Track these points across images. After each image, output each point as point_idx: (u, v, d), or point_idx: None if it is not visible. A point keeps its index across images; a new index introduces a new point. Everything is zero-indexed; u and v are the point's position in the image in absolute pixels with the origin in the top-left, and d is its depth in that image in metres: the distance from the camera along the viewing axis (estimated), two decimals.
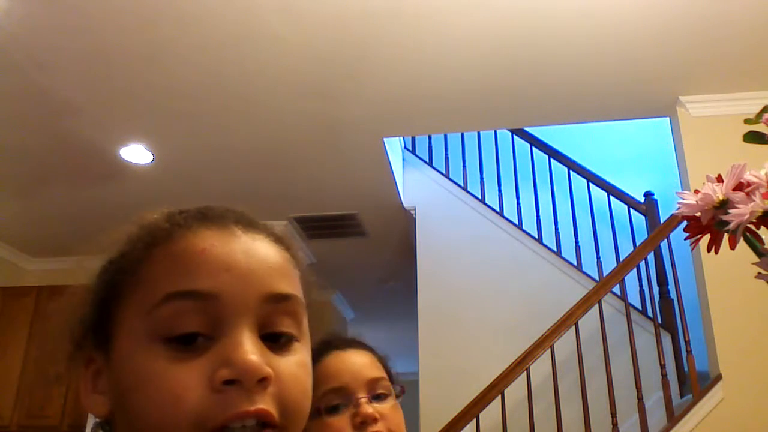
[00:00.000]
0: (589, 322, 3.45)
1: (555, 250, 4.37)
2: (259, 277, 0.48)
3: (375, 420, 0.88)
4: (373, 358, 0.97)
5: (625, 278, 3.44)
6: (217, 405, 0.43)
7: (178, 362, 0.44)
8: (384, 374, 0.96)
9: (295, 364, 0.47)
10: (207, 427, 0.43)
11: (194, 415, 0.42)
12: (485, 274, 4.37)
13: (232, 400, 0.43)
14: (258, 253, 0.49)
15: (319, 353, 0.94)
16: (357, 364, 0.94)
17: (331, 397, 0.89)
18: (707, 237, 0.79)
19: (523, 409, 3.38)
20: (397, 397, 0.96)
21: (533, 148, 4.74)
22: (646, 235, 3.98)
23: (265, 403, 0.44)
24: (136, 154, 3.85)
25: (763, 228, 0.74)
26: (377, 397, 0.92)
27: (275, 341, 0.47)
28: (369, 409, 0.89)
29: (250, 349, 0.44)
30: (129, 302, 0.47)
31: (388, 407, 0.92)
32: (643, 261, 3.60)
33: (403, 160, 4.82)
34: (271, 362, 0.45)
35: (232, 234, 0.49)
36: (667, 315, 4.00)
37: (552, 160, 4.67)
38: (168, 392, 0.43)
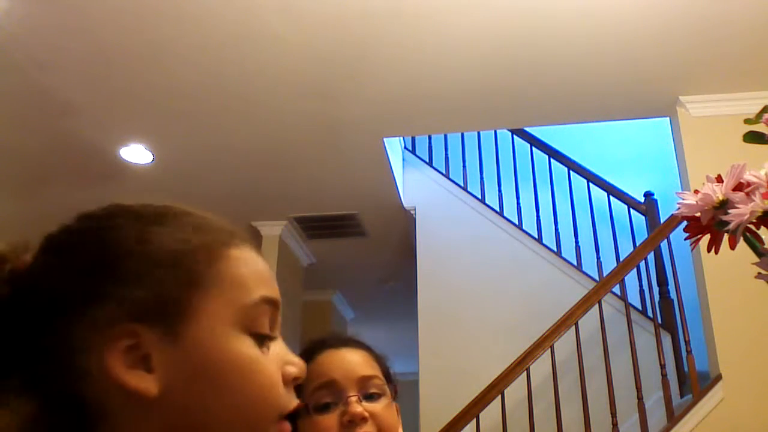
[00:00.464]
0: (589, 322, 3.45)
1: (555, 250, 4.37)
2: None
3: (364, 419, 0.86)
4: (367, 356, 0.95)
5: (625, 278, 3.44)
6: (287, 396, 0.51)
7: (263, 353, 0.51)
8: (378, 373, 0.93)
9: None
10: (283, 413, 0.51)
11: (282, 401, 0.51)
12: (485, 274, 4.37)
13: (293, 394, 0.52)
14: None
15: (312, 351, 0.93)
16: (349, 361, 0.92)
17: (321, 394, 0.87)
18: (707, 237, 0.79)
19: (523, 409, 3.38)
20: (393, 397, 0.93)
21: (533, 148, 4.74)
22: (646, 235, 3.98)
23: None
24: (136, 154, 3.85)
25: (763, 228, 0.74)
26: (369, 397, 0.89)
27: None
28: (358, 407, 0.86)
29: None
30: (212, 293, 0.50)
31: (379, 407, 0.89)
32: (643, 261, 3.60)
33: (403, 160, 4.82)
34: None
35: (259, 252, 0.58)
36: (667, 315, 4.00)
37: (552, 160, 4.67)
38: (268, 376, 0.50)
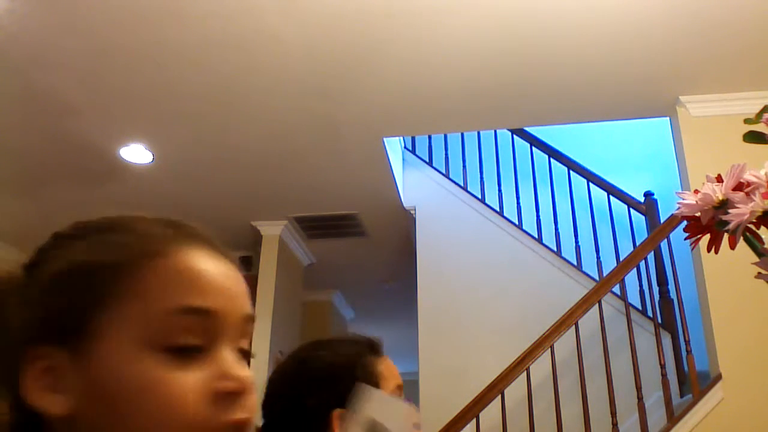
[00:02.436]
0: (589, 322, 3.45)
1: (555, 250, 4.37)
2: (240, 298, 0.53)
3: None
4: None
5: (625, 278, 3.44)
6: (214, 413, 0.48)
7: (179, 370, 0.47)
8: None
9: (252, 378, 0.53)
10: (210, 430, 0.47)
11: (198, 419, 0.47)
12: (485, 274, 4.37)
13: (226, 410, 0.48)
14: (236, 275, 0.55)
15: (377, 351, 1.02)
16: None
17: (398, 393, 0.97)
18: (707, 237, 0.79)
19: (523, 409, 3.38)
20: None
21: (533, 148, 4.74)
22: (646, 235, 3.98)
23: (249, 412, 0.50)
24: (136, 154, 3.85)
25: (763, 228, 0.74)
26: None
27: (241, 356, 0.53)
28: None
29: (242, 365, 0.51)
30: (120, 308, 0.49)
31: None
32: (643, 261, 3.60)
33: (403, 160, 4.82)
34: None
35: (218, 256, 0.54)
36: (667, 315, 4.00)
37: (552, 160, 4.67)
38: (172, 397, 0.46)
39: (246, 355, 0.54)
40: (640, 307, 4.09)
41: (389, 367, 0.99)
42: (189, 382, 0.47)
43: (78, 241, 0.52)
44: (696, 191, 0.77)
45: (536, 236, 4.42)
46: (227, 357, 0.50)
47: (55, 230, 0.55)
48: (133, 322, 0.48)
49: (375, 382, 0.95)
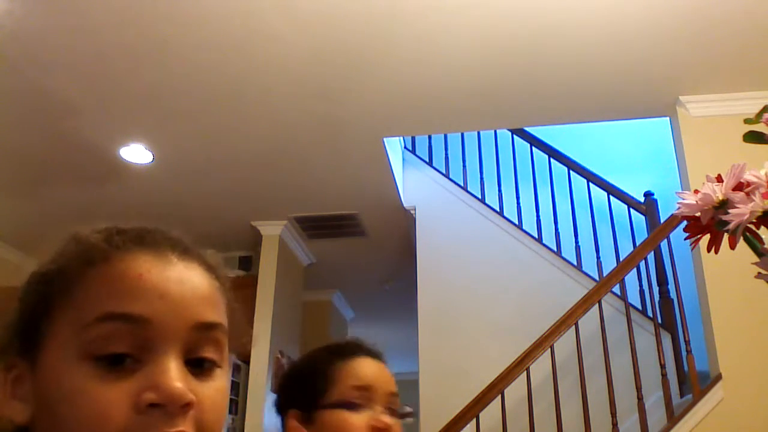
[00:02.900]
0: (589, 322, 3.45)
1: (555, 250, 4.37)
2: (190, 305, 0.51)
3: (388, 431, 0.93)
4: (394, 378, 1.03)
5: (625, 278, 3.44)
6: (140, 426, 0.46)
7: (105, 381, 0.46)
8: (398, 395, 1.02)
9: (215, 391, 0.51)
10: None
11: (117, 430, 0.45)
12: (485, 274, 4.37)
13: (154, 422, 0.46)
14: (191, 281, 0.52)
15: (351, 352, 1.01)
16: (385, 375, 1.00)
17: (355, 394, 0.94)
18: (707, 237, 0.79)
19: (523, 409, 3.38)
20: (402, 417, 1.01)
21: (533, 148, 4.74)
22: (646, 235, 3.98)
23: (184, 426, 0.47)
24: (136, 154, 3.85)
25: (763, 228, 0.74)
26: (391, 412, 0.97)
27: (199, 366, 0.50)
28: (387, 419, 0.94)
29: (176, 376, 0.48)
30: (60, 317, 0.49)
31: (395, 424, 0.96)
32: (643, 261, 3.60)
33: (403, 160, 4.82)
34: (193, 388, 0.49)
35: (168, 261, 0.52)
36: (667, 315, 4.00)
37: (552, 160, 4.67)
38: (94, 410, 0.45)
39: (211, 365, 0.51)
40: (640, 307, 4.09)
41: (352, 369, 0.98)
42: (113, 393, 0.46)
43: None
44: (696, 191, 0.77)
45: (536, 236, 4.42)
46: (165, 367, 0.47)
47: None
48: (68, 331, 0.48)
49: (324, 384, 0.97)
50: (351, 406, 0.93)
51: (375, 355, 1.03)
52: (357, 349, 1.02)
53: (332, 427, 0.93)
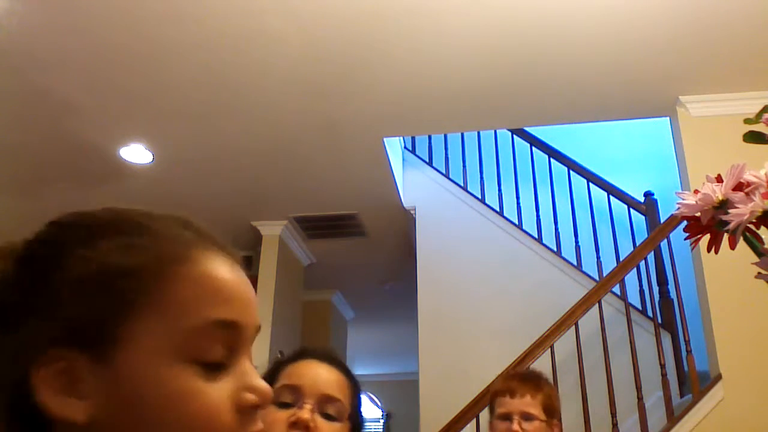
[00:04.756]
0: (589, 322, 3.45)
1: (555, 250, 4.37)
2: (255, 307, 0.53)
3: (307, 427, 0.93)
4: (343, 382, 1.02)
5: (625, 278, 3.44)
6: (242, 425, 0.48)
7: (208, 383, 0.47)
8: (345, 400, 1.00)
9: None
10: None
11: (226, 430, 0.47)
12: (485, 274, 4.37)
13: (252, 421, 0.50)
14: (249, 282, 0.54)
15: (295, 357, 1.04)
16: (320, 375, 1.00)
17: (283, 394, 0.97)
18: (707, 237, 0.79)
19: None
20: (352, 429, 1.01)
21: (533, 148, 4.74)
22: (646, 235, 3.98)
23: (262, 423, 0.52)
24: (136, 154, 3.85)
25: (763, 228, 0.74)
26: (325, 415, 0.97)
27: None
28: (306, 414, 0.94)
29: (260, 378, 0.51)
30: (147, 317, 0.47)
31: (328, 428, 0.96)
32: (643, 261, 3.60)
33: (403, 160, 4.82)
34: None
35: (235, 263, 0.53)
36: (667, 315, 4.00)
37: (552, 160, 4.67)
38: (206, 411, 0.46)
39: None
40: (640, 307, 4.09)
41: (289, 370, 1.02)
42: (219, 393, 0.47)
43: (97, 241, 0.49)
44: (696, 191, 0.77)
45: (536, 236, 4.42)
46: (249, 368, 0.50)
47: (54, 219, 0.52)
48: (162, 331, 0.47)
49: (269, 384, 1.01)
50: (280, 404, 0.96)
51: (322, 357, 1.04)
52: (303, 352, 1.05)
53: (264, 424, 0.94)
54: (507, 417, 1.55)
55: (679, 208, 0.78)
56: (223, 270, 0.51)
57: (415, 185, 4.72)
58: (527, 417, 1.53)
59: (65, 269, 0.48)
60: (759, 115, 0.81)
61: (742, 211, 0.71)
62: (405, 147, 4.86)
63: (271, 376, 1.01)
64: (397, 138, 4.56)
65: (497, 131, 4.85)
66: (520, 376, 1.68)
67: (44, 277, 0.48)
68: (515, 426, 1.51)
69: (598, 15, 2.86)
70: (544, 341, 3.32)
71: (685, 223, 0.80)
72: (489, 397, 1.71)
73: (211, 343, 0.48)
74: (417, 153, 4.84)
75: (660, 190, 4.53)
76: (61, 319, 0.46)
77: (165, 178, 4.15)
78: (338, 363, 1.05)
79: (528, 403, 1.54)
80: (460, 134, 4.84)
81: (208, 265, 0.50)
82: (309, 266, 5.59)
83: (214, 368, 0.48)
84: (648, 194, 4.49)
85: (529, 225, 4.50)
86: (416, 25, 2.91)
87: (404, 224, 4.89)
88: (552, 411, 1.61)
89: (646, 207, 4.45)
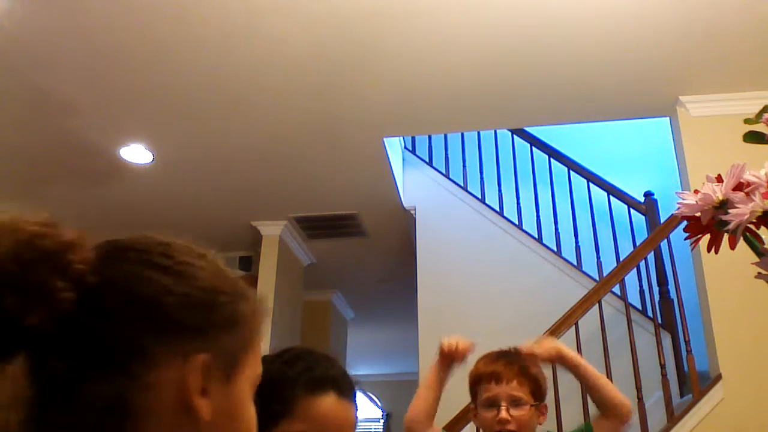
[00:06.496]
0: (589, 322, 3.45)
1: (555, 250, 4.37)
2: None
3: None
4: (355, 420, 0.99)
5: (625, 278, 3.44)
6: None
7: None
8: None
9: None
10: None
11: None
12: (485, 274, 4.37)
13: None
14: None
15: (319, 386, 0.96)
16: (347, 420, 0.98)
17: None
18: (707, 237, 0.79)
19: None
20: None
21: (533, 148, 4.74)
22: (646, 235, 3.98)
23: None
24: (136, 154, 3.85)
25: (763, 228, 0.74)
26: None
27: None
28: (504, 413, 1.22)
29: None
30: (252, 353, 0.60)
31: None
32: (643, 261, 3.60)
33: (403, 160, 4.82)
34: None
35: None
36: (667, 315, 4.00)
37: (552, 160, 4.67)
38: (253, 427, 0.60)
39: None
40: (640, 307, 4.09)
41: (312, 408, 0.96)
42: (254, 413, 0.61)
43: (240, 298, 0.60)
44: (696, 191, 0.77)
45: (536, 236, 4.42)
46: None
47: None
48: (255, 365, 0.61)
49: (281, 411, 0.94)
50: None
51: (344, 390, 0.95)
52: (327, 383, 0.94)
53: None
54: (493, 403, 1.43)
55: (679, 208, 0.78)
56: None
57: (415, 185, 4.72)
58: (516, 402, 1.41)
59: (234, 314, 0.59)
60: (759, 115, 0.81)
61: (742, 211, 0.71)
62: (405, 147, 4.86)
63: (280, 399, 0.90)
64: (397, 138, 4.56)
65: (497, 131, 4.85)
66: (505, 359, 1.55)
67: (221, 316, 0.58)
68: (503, 414, 1.39)
69: (598, 15, 2.86)
70: None
71: (685, 223, 0.80)
72: (470, 382, 1.58)
73: None
74: (417, 153, 4.84)
75: (660, 190, 4.53)
76: (212, 340, 0.56)
77: (165, 178, 4.15)
78: (354, 393, 0.98)
79: (516, 387, 1.43)
80: (460, 134, 4.84)
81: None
82: (309, 266, 5.59)
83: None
84: (648, 194, 4.49)
85: (529, 225, 4.50)
86: (416, 25, 2.91)
87: (404, 224, 4.89)
88: (541, 394, 1.48)
89: (646, 207, 4.45)
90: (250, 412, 0.59)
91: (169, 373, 0.52)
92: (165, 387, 0.51)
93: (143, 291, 0.53)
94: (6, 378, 0.48)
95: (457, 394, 3.67)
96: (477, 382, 1.49)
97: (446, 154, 4.79)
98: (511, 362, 1.47)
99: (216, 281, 0.58)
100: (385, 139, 3.89)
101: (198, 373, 0.53)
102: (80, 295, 0.50)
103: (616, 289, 3.59)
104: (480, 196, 4.60)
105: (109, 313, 0.51)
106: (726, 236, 0.76)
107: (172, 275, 0.55)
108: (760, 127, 0.82)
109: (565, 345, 1.24)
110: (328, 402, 0.93)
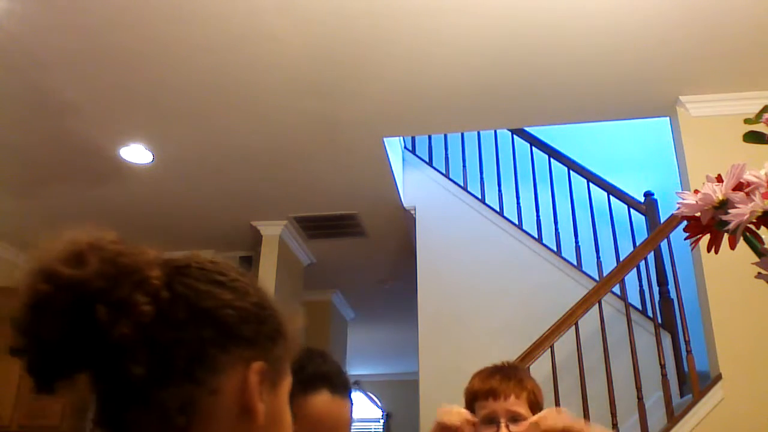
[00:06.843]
0: (589, 322, 3.45)
1: (555, 250, 4.37)
2: None
3: None
4: (349, 415, 1.02)
5: (625, 278, 3.44)
6: None
7: None
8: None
9: None
10: None
11: None
12: (485, 274, 4.37)
13: None
14: None
15: (312, 385, 1.01)
16: (341, 417, 1.02)
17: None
18: (707, 237, 0.79)
19: None
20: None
21: (533, 148, 4.74)
22: (646, 235, 3.98)
23: None
24: (136, 154, 3.85)
25: (763, 228, 0.74)
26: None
27: None
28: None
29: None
30: (288, 369, 0.66)
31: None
32: (643, 261, 3.60)
33: (403, 160, 4.82)
34: None
35: None
36: (667, 315, 4.00)
37: (552, 160, 4.67)
38: None
39: None
40: (640, 307, 4.09)
41: (306, 406, 1.01)
42: None
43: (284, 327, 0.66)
44: (696, 191, 0.77)
45: (536, 236, 4.42)
46: None
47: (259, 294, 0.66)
48: (288, 378, 0.66)
49: None
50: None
51: (338, 387, 0.97)
52: (319, 381, 0.96)
53: None
54: (492, 420, 1.45)
55: (679, 208, 0.78)
56: None
57: (415, 185, 4.72)
58: (514, 418, 1.43)
59: (274, 320, 0.65)
60: (759, 115, 0.81)
61: (742, 211, 0.71)
62: (405, 147, 4.86)
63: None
64: (397, 138, 4.56)
65: (497, 131, 4.85)
66: (500, 375, 1.55)
67: (270, 327, 0.64)
68: (504, 430, 1.42)
69: (598, 15, 2.86)
70: (544, 341, 3.32)
71: (685, 223, 0.80)
72: (466, 399, 1.58)
73: None
74: (417, 153, 4.84)
75: (660, 190, 4.53)
76: (271, 351, 0.63)
77: (165, 178, 4.15)
78: (348, 391, 1.00)
79: (513, 402, 1.44)
80: (460, 134, 4.84)
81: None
82: (309, 266, 5.59)
83: None
84: (648, 194, 4.49)
85: (529, 225, 4.50)
86: (416, 25, 2.90)
87: (404, 224, 4.89)
88: (538, 407, 1.50)
89: (646, 207, 4.45)
90: (289, 418, 0.64)
91: (232, 379, 0.58)
92: (228, 392, 0.57)
93: (208, 305, 0.58)
94: (78, 384, 0.54)
95: (457, 394, 3.65)
96: (474, 399, 1.50)
97: (446, 154, 4.79)
98: (507, 377, 1.48)
99: (261, 296, 0.64)
100: (385, 139, 3.89)
101: (258, 378, 0.59)
102: (157, 308, 0.55)
103: (616, 289, 3.59)
104: (480, 196, 4.61)
105: (180, 325, 0.56)
106: (726, 236, 0.76)
107: (229, 290, 0.60)
108: (760, 127, 0.82)
109: (569, 414, 1.21)
110: (320, 400, 0.94)
